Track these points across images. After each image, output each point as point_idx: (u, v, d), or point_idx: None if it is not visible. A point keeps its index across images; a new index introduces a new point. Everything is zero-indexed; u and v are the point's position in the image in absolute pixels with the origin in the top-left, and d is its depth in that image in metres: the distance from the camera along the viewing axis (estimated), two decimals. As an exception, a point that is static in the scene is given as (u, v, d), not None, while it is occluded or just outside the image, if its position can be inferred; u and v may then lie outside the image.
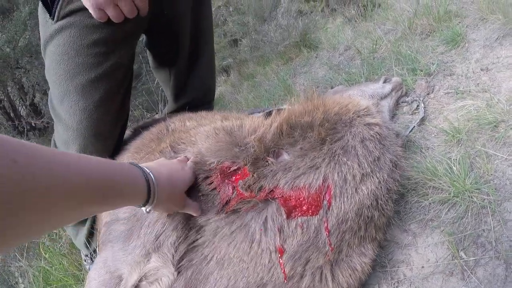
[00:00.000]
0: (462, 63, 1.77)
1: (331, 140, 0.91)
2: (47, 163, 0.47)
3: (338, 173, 0.87)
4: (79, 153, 1.19)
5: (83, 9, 1.01)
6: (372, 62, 2.03)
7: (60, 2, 1.03)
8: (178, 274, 0.89)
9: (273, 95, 2.29)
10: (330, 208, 0.86)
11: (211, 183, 0.90)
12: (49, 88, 1.22)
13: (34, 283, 1.84)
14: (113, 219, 1.02)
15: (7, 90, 2.62)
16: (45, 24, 1.09)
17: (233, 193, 0.88)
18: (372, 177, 0.90)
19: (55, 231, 1.95)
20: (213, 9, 3.10)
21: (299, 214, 0.86)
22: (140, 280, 0.92)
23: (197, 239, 0.90)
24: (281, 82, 2.32)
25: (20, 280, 1.97)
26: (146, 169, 0.74)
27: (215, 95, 2.60)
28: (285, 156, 0.92)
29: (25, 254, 1.95)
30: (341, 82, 1.98)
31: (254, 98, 2.39)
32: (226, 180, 0.90)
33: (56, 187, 0.47)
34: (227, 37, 3.30)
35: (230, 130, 0.96)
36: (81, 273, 1.74)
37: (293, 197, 0.87)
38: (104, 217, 1.08)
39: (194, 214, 0.89)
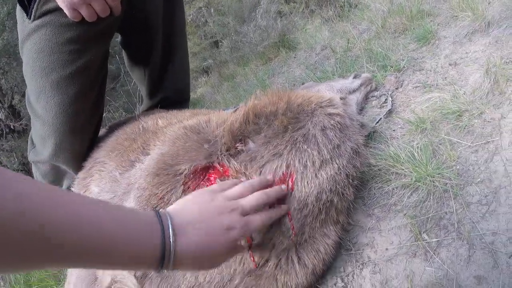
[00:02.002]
0: (432, 59, 1.82)
1: (292, 128, 0.96)
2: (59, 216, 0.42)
3: (299, 159, 0.92)
4: (54, 147, 1.22)
5: (58, 9, 1.06)
6: (345, 60, 2.09)
7: (36, 2, 1.07)
8: (146, 285, 0.91)
9: (251, 94, 2.33)
10: (292, 194, 0.91)
11: (188, 189, 0.92)
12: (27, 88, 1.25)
13: (15, 285, 1.84)
14: None
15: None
16: (23, 23, 1.14)
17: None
18: (332, 163, 0.95)
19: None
20: (193, 10, 3.15)
21: None
22: (112, 283, 0.95)
23: None
24: (259, 82, 2.37)
25: (2, 283, 1.97)
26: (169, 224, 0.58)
27: (196, 96, 2.63)
28: (251, 145, 0.96)
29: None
30: (317, 80, 2.04)
31: (232, 98, 2.44)
32: (202, 182, 0.93)
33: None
34: (208, 39, 3.34)
35: (198, 128, 1.00)
36: (61, 274, 1.76)
37: None
38: None
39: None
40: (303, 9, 3.21)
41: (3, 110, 2.65)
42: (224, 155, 0.93)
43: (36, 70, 1.16)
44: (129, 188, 0.99)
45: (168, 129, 1.06)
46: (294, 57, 2.70)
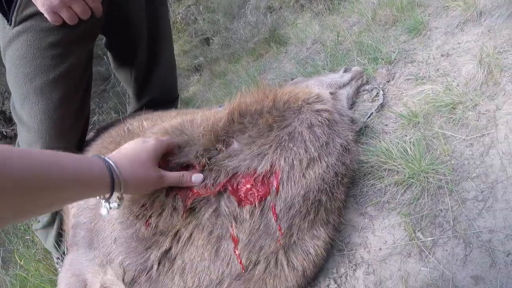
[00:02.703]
0: (423, 50, 1.77)
1: (278, 127, 0.90)
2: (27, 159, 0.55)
3: (284, 158, 0.87)
4: None
5: (39, 13, 1.03)
6: (336, 54, 2.03)
7: (16, 8, 1.04)
8: None
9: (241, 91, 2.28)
10: (278, 194, 0.85)
11: (171, 191, 0.88)
12: None
13: (12, 291, 1.80)
14: (77, 222, 1.02)
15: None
16: (3, 30, 1.10)
17: (189, 192, 0.87)
18: (320, 161, 0.89)
19: (28, 237, 1.90)
20: (183, 8, 3.07)
21: (249, 201, 0.85)
22: None
23: (150, 257, 0.88)
24: (250, 78, 2.31)
25: (-3, 289, 1.92)
26: (108, 159, 0.74)
27: (188, 95, 2.57)
28: (235, 145, 0.91)
29: (1, 263, 1.91)
30: (307, 75, 1.98)
31: (224, 96, 2.38)
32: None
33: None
34: (198, 36, 3.27)
35: (181, 128, 0.95)
36: (57, 278, 1.71)
37: (242, 185, 0.86)
38: (71, 219, 1.06)
39: (178, 185, 0.85)
40: (293, 3, 3.14)
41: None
42: (202, 155, 0.87)
43: (19, 76, 1.13)
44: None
45: (151, 130, 1.01)
46: (285, 53, 2.64)
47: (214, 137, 0.89)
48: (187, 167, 0.89)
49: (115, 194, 0.74)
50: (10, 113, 2.74)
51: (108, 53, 1.53)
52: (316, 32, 2.53)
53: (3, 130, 2.61)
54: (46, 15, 1.02)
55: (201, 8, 3.16)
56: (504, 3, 1.66)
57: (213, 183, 0.85)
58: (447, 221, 0.98)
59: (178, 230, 0.87)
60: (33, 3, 1.01)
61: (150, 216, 0.85)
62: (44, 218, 1.39)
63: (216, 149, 0.89)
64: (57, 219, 1.37)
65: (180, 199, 0.86)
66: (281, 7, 3.13)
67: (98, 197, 0.75)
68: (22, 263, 1.80)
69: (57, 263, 1.54)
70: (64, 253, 1.41)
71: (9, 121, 2.70)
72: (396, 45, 1.87)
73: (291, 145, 0.88)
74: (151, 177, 0.80)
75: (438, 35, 1.84)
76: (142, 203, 0.86)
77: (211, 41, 3.25)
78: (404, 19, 2.08)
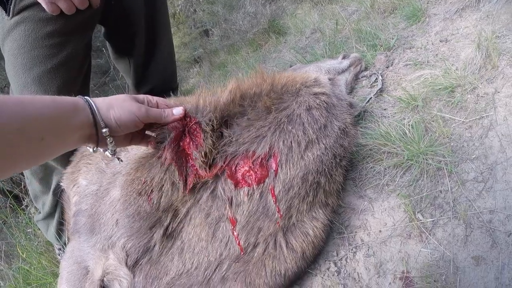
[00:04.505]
0: (422, 37, 1.76)
1: (276, 109, 0.90)
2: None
3: (283, 141, 0.86)
4: None
5: (36, 3, 1.03)
6: (335, 42, 2.01)
7: None
8: (136, 273, 0.89)
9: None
10: (277, 176, 0.85)
11: (165, 160, 0.84)
12: None
13: (16, 285, 1.80)
14: (78, 210, 1.02)
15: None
16: (2, 20, 1.11)
17: (187, 165, 0.85)
18: (318, 143, 0.89)
19: (30, 230, 1.90)
20: (182, 0, 3.05)
21: (246, 183, 0.85)
22: (103, 274, 0.92)
23: (153, 236, 0.88)
24: (250, 69, 2.30)
25: (1, 284, 1.93)
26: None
27: (188, 87, 2.55)
28: (235, 128, 0.90)
29: (3, 256, 1.91)
30: (305, 63, 1.96)
31: (223, 87, 2.36)
32: (179, 153, 0.85)
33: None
34: (198, 28, 3.25)
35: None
36: (59, 269, 1.71)
37: (241, 167, 0.86)
38: (72, 207, 1.06)
39: (161, 120, 0.82)
40: (293, -7, 3.10)
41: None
42: (207, 134, 0.85)
43: (17, 66, 1.12)
44: (115, 178, 0.94)
45: None
46: (284, 42, 2.62)
47: (220, 115, 0.87)
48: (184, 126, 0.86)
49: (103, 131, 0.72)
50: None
51: (107, 44, 1.52)
52: (315, 22, 2.51)
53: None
54: (44, 5, 1.02)
55: (200, 0, 3.14)
56: None
57: (210, 165, 0.84)
58: (447, 202, 0.98)
59: (176, 208, 0.86)
60: None
61: (152, 191, 0.85)
62: (45, 208, 1.38)
63: (221, 133, 0.87)
64: (57, 209, 1.37)
65: (176, 172, 0.84)
66: (280, -3, 3.10)
67: (89, 147, 0.74)
68: (24, 256, 1.80)
69: (59, 255, 1.54)
70: (65, 243, 1.41)
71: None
72: (395, 32, 1.86)
73: (290, 127, 0.87)
74: (132, 106, 0.77)
75: (436, 21, 1.82)
76: (143, 180, 0.85)
77: (210, 32, 3.22)
78: (403, 7, 2.06)
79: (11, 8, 1.06)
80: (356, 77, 1.54)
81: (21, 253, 1.81)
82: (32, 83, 1.13)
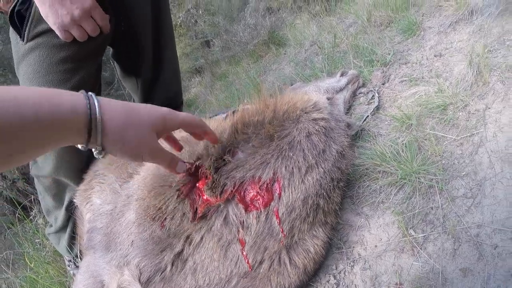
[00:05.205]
0: (417, 51, 1.84)
1: (278, 136, 0.99)
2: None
3: (285, 166, 0.95)
4: (55, 162, 1.27)
5: (50, 30, 1.09)
6: (333, 56, 2.10)
7: (28, 25, 1.11)
8: None
9: (243, 93, 2.36)
10: (280, 199, 0.94)
11: (180, 194, 0.96)
12: None
13: (22, 293, 1.87)
14: (92, 227, 1.10)
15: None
16: (17, 45, 1.18)
17: (199, 199, 0.96)
18: (317, 168, 0.98)
19: (38, 240, 1.98)
20: (183, 12, 3.14)
21: (255, 207, 0.94)
22: None
23: (164, 258, 0.97)
24: (251, 81, 2.39)
25: (7, 292, 2.00)
26: (95, 97, 0.64)
27: (190, 97, 2.64)
28: (240, 155, 0.99)
29: (11, 265, 1.99)
30: (306, 78, 2.05)
31: (225, 98, 2.46)
32: (193, 190, 0.97)
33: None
34: (199, 39, 3.34)
35: (189, 138, 1.03)
36: (66, 280, 1.79)
37: (249, 192, 0.95)
38: (86, 224, 1.15)
39: (166, 166, 0.78)
40: (291, 4, 3.20)
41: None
42: (212, 166, 0.96)
43: None
44: (129, 201, 1.03)
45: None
46: (284, 54, 2.71)
47: (221, 149, 0.97)
48: (196, 169, 0.98)
49: (95, 141, 0.63)
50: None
51: (115, 64, 1.59)
52: (314, 34, 2.60)
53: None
54: (57, 32, 1.08)
55: (200, 12, 3.23)
56: (494, 2, 1.71)
57: (221, 191, 0.93)
58: (437, 218, 1.07)
59: (189, 234, 0.95)
60: (45, 20, 1.07)
61: (165, 219, 0.94)
62: (58, 223, 1.46)
63: (224, 160, 0.97)
64: (70, 224, 1.45)
65: (188, 205, 0.95)
66: (279, 9, 3.19)
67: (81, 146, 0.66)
68: (32, 265, 1.88)
69: (69, 266, 1.62)
70: (77, 256, 1.49)
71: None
72: (391, 47, 1.94)
73: (291, 154, 0.96)
74: (144, 138, 0.68)
75: (431, 35, 1.90)
76: (158, 207, 0.94)
77: (211, 43, 3.31)
78: (399, 20, 2.14)
79: (26, 34, 1.12)
80: (354, 94, 1.62)
81: (28, 263, 1.89)
82: None
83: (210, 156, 0.97)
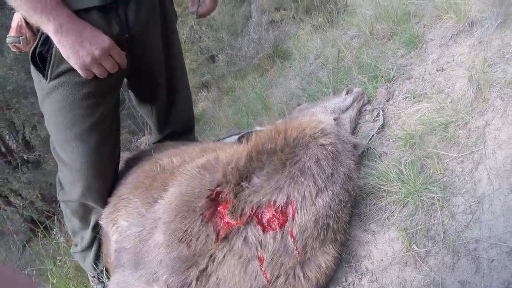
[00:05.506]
0: (420, 65, 1.92)
1: (290, 163, 1.12)
2: None
3: (297, 191, 1.09)
4: (83, 189, 1.41)
5: (72, 69, 1.20)
6: (338, 71, 2.22)
7: (50, 65, 1.22)
8: None
9: (251, 109, 2.49)
10: (294, 220, 1.07)
11: (204, 218, 1.10)
12: (38, 123, 1.41)
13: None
14: (120, 247, 1.24)
15: (-2, 130, 2.84)
16: (40, 83, 1.29)
17: (221, 222, 1.09)
18: (327, 191, 1.11)
19: (59, 257, 2.12)
20: (186, 29, 3.28)
21: (271, 228, 1.08)
22: None
23: (190, 275, 1.10)
24: (257, 96, 2.51)
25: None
26: None
27: (198, 112, 2.77)
28: (255, 180, 1.13)
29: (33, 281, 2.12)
30: (312, 94, 2.17)
31: (233, 114, 2.59)
32: (215, 213, 1.11)
33: None
34: (204, 54, 3.48)
35: (208, 166, 1.19)
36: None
37: (265, 215, 1.09)
38: (113, 244, 1.28)
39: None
40: (293, 15, 3.31)
41: (17, 144, 2.83)
42: (231, 192, 1.10)
43: (58, 125, 1.33)
44: (156, 224, 1.17)
45: (183, 168, 1.25)
46: (289, 67, 2.84)
47: (239, 176, 1.11)
48: (217, 195, 1.12)
49: None
50: (31, 139, 3.00)
51: (130, 92, 1.72)
52: (318, 47, 2.72)
53: (24, 155, 2.84)
54: (79, 71, 1.19)
55: (204, 28, 3.37)
56: (493, 14, 1.77)
57: (240, 215, 1.07)
58: (438, 233, 1.19)
59: (213, 253, 1.09)
60: (66, 60, 1.18)
61: (191, 240, 1.08)
62: (83, 242, 1.60)
63: (242, 186, 1.11)
64: (95, 243, 1.58)
65: (211, 227, 1.08)
66: (282, 20, 3.32)
67: None
68: (54, 281, 2.01)
69: (92, 281, 1.75)
70: (102, 271, 1.62)
71: (31, 147, 2.95)
72: (394, 61, 2.03)
73: (302, 179, 1.10)
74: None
75: (433, 48, 1.98)
76: (184, 229, 1.09)
77: (216, 58, 3.45)
78: (401, 32, 2.22)
79: (49, 74, 1.23)
80: (359, 112, 1.75)
81: (51, 278, 2.02)
82: (73, 139, 1.32)
83: (229, 182, 1.11)
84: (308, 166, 1.12)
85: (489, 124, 1.39)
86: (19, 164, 2.75)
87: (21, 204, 2.66)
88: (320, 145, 1.17)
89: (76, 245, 1.67)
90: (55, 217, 2.25)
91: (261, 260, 1.08)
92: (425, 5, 2.31)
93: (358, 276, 1.22)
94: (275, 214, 1.07)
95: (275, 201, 1.08)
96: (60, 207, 1.71)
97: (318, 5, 3.05)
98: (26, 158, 2.86)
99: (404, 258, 1.19)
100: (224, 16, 3.15)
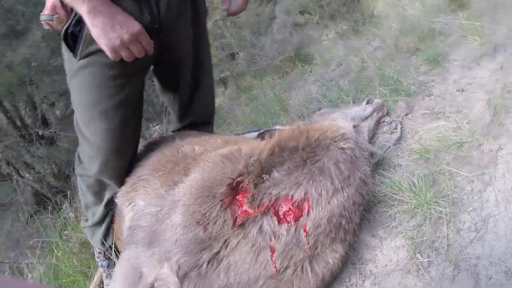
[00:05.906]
0: (441, 84, 2.01)
1: (311, 162, 1.23)
2: None
3: (315, 188, 1.19)
4: (101, 165, 1.50)
5: (100, 50, 1.29)
6: (359, 81, 2.31)
7: (81, 45, 1.32)
8: (185, 283, 1.19)
9: (269, 109, 2.59)
10: (309, 216, 1.17)
11: (223, 204, 1.20)
12: (57, 101, 1.51)
13: (43, 278, 2.09)
14: (135, 225, 1.34)
15: (16, 104, 2.95)
16: (70, 60, 1.40)
17: (239, 210, 1.19)
18: (342, 192, 1.21)
19: (67, 231, 2.22)
20: (210, 23, 3.38)
21: (286, 221, 1.18)
22: (155, 279, 1.23)
23: (202, 257, 1.19)
24: (276, 97, 2.61)
25: (30, 276, 2.23)
26: None
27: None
28: (276, 174, 1.23)
29: (37, 252, 2.22)
30: (332, 100, 2.27)
31: (251, 112, 2.68)
32: (234, 201, 1.21)
33: None
34: (225, 51, 3.57)
35: (231, 156, 1.30)
36: (89, 270, 2.00)
37: (282, 207, 1.20)
38: (126, 221, 1.38)
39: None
40: (317, 20, 3.39)
41: (33, 119, 2.96)
42: (251, 182, 1.20)
43: (84, 102, 1.43)
44: (174, 205, 1.26)
45: (205, 156, 1.35)
46: (310, 72, 2.93)
47: (261, 168, 1.21)
48: (237, 184, 1.23)
49: None
50: (48, 116, 3.11)
51: (154, 78, 1.82)
52: (340, 54, 2.81)
53: (39, 131, 2.95)
54: (108, 53, 1.27)
55: (228, 24, 3.47)
56: None
57: (258, 205, 1.17)
58: (442, 246, 1.28)
59: (228, 238, 1.19)
60: (96, 42, 1.27)
61: (208, 223, 1.18)
62: (95, 218, 1.69)
63: (262, 178, 1.21)
64: (106, 220, 1.68)
65: (229, 214, 1.18)
66: (306, 23, 3.41)
67: None
68: (59, 254, 2.10)
69: (98, 257, 1.84)
70: (110, 247, 1.71)
71: (47, 124, 3.06)
72: (416, 76, 2.11)
73: (321, 178, 1.20)
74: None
75: (455, 68, 2.06)
76: (203, 213, 1.19)
77: (236, 56, 3.55)
78: (425, 49, 2.30)
79: (79, 52, 1.33)
80: (378, 122, 1.85)
81: (56, 251, 2.10)
82: (98, 117, 1.42)
83: (250, 173, 1.21)
84: (327, 166, 1.22)
85: (502, 149, 1.48)
86: (34, 139, 2.86)
87: (32, 178, 2.76)
88: (340, 148, 1.28)
89: (87, 220, 1.76)
90: (68, 192, 2.35)
91: (272, 250, 1.18)
92: (451, 24, 2.38)
93: (361, 278, 1.32)
94: (292, 208, 1.17)
95: (292, 196, 1.18)
96: (74, 182, 1.79)
97: (343, 12, 3.14)
98: (41, 134, 2.97)
99: (408, 265, 1.28)
100: (249, 14, 3.24)
